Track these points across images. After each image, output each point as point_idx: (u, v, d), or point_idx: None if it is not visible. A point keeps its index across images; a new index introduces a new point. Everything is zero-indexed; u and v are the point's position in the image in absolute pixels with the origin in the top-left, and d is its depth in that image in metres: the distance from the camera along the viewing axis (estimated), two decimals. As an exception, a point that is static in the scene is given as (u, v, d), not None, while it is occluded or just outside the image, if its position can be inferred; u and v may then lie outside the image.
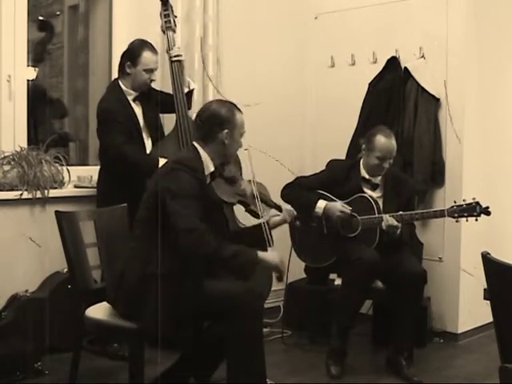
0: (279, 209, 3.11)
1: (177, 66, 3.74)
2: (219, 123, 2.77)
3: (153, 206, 2.68)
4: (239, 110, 2.86)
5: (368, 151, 3.64)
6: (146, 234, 2.70)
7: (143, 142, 3.68)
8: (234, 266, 2.69)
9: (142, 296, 2.63)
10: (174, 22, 3.82)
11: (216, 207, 2.94)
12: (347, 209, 3.60)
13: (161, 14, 3.80)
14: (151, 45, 3.68)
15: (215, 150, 2.79)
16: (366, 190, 3.70)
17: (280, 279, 2.82)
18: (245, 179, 3.20)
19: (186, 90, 3.79)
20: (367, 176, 3.71)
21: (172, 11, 3.82)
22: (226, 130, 2.77)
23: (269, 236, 2.87)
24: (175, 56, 3.74)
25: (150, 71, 3.64)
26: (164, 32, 3.80)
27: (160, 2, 3.80)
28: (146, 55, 3.61)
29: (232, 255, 2.63)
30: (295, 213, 3.15)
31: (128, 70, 3.62)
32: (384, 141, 3.59)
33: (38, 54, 4.50)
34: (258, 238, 2.87)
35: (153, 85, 3.76)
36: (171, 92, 3.75)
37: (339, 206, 3.62)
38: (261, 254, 2.71)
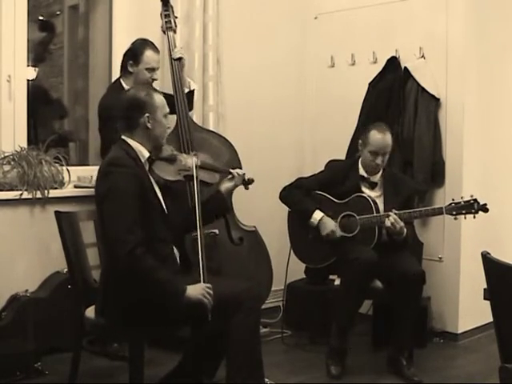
0: (229, 173, 3.10)
1: (177, 65, 3.75)
2: (138, 108, 2.75)
3: (97, 209, 2.74)
4: (157, 91, 2.88)
5: (363, 147, 3.67)
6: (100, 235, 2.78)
7: None
8: (162, 293, 2.62)
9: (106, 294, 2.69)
10: (175, 22, 3.83)
11: (164, 191, 2.90)
12: (338, 231, 3.60)
13: (161, 15, 3.81)
14: (153, 44, 3.70)
15: (142, 135, 2.77)
16: (364, 188, 3.70)
17: (205, 311, 2.66)
18: (184, 154, 3.17)
19: (186, 91, 3.79)
20: (365, 175, 3.71)
21: (172, 11, 3.83)
22: (146, 114, 2.74)
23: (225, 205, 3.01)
24: (178, 53, 3.75)
25: (152, 70, 3.66)
26: (164, 32, 3.81)
27: (160, 3, 3.81)
28: (148, 54, 3.63)
29: (161, 283, 2.60)
30: (246, 176, 3.13)
31: (130, 69, 3.65)
32: (377, 135, 3.60)
33: (38, 53, 4.51)
34: (216, 207, 2.99)
35: (154, 85, 3.76)
36: (172, 92, 3.75)
37: (332, 225, 3.62)
38: (189, 290, 2.62)
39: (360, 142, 3.71)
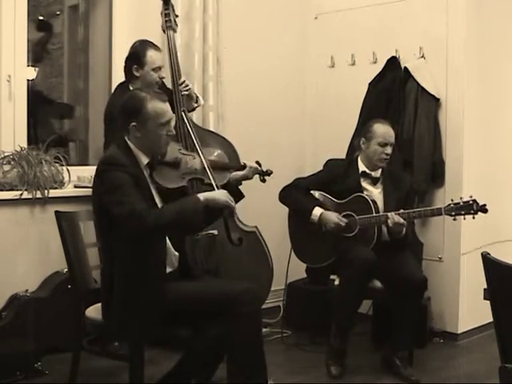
0: (242, 168, 3.02)
1: (184, 98, 3.67)
2: (126, 115, 2.63)
3: (94, 209, 2.69)
4: (161, 98, 2.64)
5: (368, 142, 3.68)
6: (99, 234, 2.72)
7: None
8: (183, 221, 2.56)
9: (108, 296, 2.65)
10: (175, 21, 3.80)
11: (166, 200, 2.77)
12: (342, 220, 3.60)
13: (162, 14, 3.79)
14: (153, 43, 3.63)
15: (135, 142, 2.64)
16: (365, 184, 3.71)
17: (232, 215, 2.69)
18: (190, 155, 3.02)
19: (194, 106, 3.77)
20: (367, 170, 3.72)
21: (173, 10, 3.81)
22: (133, 123, 2.60)
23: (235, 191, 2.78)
24: (185, 90, 3.67)
25: (158, 69, 3.58)
26: (164, 31, 3.80)
27: (161, 2, 3.80)
28: (151, 54, 3.56)
29: (177, 212, 2.54)
30: (260, 169, 3.08)
31: (136, 73, 3.56)
32: (383, 126, 3.67)
33: (37, 53, 4.51)
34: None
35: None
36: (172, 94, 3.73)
37: (334, 217, 3.61)
38: (205, 194, 2.60)
39: (363, 139, 3.71)
